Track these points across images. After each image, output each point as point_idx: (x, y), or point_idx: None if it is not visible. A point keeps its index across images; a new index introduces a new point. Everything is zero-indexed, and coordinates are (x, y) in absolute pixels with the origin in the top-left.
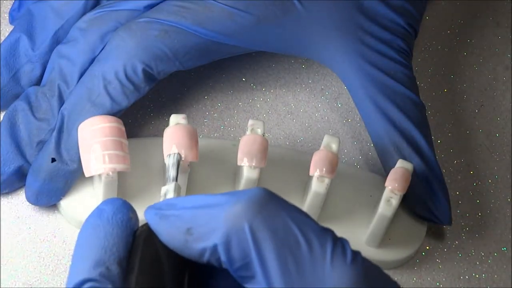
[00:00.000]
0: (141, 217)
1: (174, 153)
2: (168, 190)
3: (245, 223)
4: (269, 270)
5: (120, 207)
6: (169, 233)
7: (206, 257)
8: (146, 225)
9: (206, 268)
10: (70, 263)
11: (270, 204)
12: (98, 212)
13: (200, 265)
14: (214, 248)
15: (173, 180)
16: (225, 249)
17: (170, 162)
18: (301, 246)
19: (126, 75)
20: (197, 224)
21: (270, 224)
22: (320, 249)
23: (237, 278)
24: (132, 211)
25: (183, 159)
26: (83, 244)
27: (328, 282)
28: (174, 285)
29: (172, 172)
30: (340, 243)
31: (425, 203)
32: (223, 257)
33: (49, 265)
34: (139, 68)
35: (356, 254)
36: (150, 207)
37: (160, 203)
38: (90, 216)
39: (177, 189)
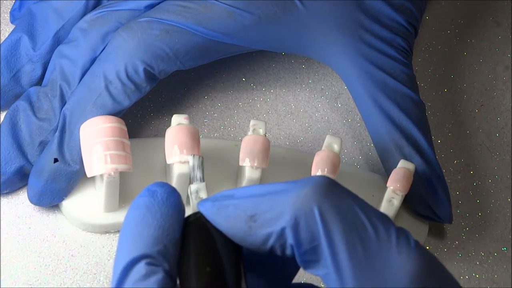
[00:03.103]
0: None
1: (195, 155)
2: (199, 188)
3: (314, 205)
4: (337, 252)
5: (172, 191)
6: (230, 222)
7: (270, 243)
8: (198, 215)
9: (258, 258)
10: (118, 239)
11: (336, 190)
12: (150, 193)
13: (250, 255)
14: (282, 232)
15: (201, 181)
16: (293, 232)
17: (195, 163)
18: (367, 230)
19: (127, 75)
20: (261, 211)
21: (338, 208)
22: (385, 234)
23: (301, 263)
24: (181, 197)
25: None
26: (137, 223)
27: (394, 266)
28: (231, 270)
29: (198, 173)
30: (402, 230)
31: (426, 202)
32: (290, 240)
33: (49, 265)
34: (140, 67)
35: (417, 241)
36: (205, 200)
37: (215, 195)
38: (140, 196)
39: (207, 189)
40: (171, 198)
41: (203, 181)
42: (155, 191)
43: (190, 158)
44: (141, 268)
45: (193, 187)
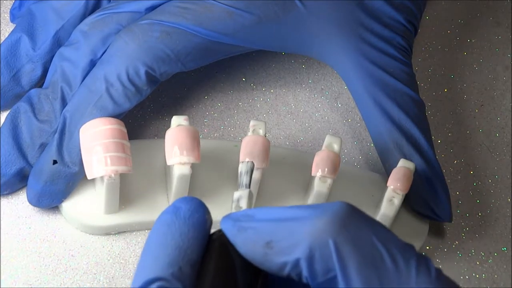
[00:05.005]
0: (140, 218)
1: (248, 161)
2: (241, 196)
3: (330, 238)
4: (353, 286)
5: (197, 207)
6: (248, 245)
7: (286, 271)
8: (222, 232)
9: (283, 279)
10: (139, 259)
11: (354, 220)
12: (174, 209)
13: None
14: (296, 262)
15: (246, 187)
16: (308, 264)
17: (243, 169)
18: (385, 263)
19: (128, 78)
20: (278, 238)
21: (354, 240)
22: (404, 265)
23: None
24: (208, 213)
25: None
26: (156, 241)
27: None
28: None
29: (245, 179)
30: (423, 260)
31: (425, 200)
32: (305, 272)
33: (49, 265)
34: (142, 70)
35: (439, 271)
36: (227, 217)
37: (237, 214)
38: (164, 213)
39: (250, 196)
40: (195, 215)
41: (248, 188)
42: (179, 208)
43: (240, 165)
44: None
45: (236, 194)
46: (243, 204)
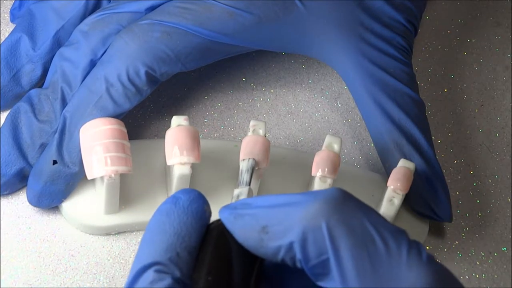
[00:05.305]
0: (140, 218)
1: (249, 159)
2: (241, 193)
3: (323, 221)
4: (344, 268)
5: (196, 198)
6: (244, 231)
7: (281, 255)
8: (220, 221)
9: (278, 266)
10: (138, 246)
11: (347, 204)
12: (173, 199)
13: (271, 263)
14: (290, 246)
15: (246, 185)
16: (301, 247)
17: (244, 167)
18: (377, 245)
19: (128, 78)
20: (273, 223)
21: (347, 223)
22: (396, 248)
23: (310, 276)
24: (207, 204)
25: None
26: (155, 229)
27: (404, 281)
28: (240, 282)
29: (246, 177)
30: (415, 245)
31: (425, 200)
32: (298, 255)
33: (49, 265)
34: (142, 70)
35: (430, 256)
36: (225, 207)
37: (235, 203)
38: (164, 203)
39: (250, 194)
40: (194, 205)
41: (248, 185)
42: (179, 198)
43: (240, 162)
44: (149, 275)
45: (236, 191)
46: None
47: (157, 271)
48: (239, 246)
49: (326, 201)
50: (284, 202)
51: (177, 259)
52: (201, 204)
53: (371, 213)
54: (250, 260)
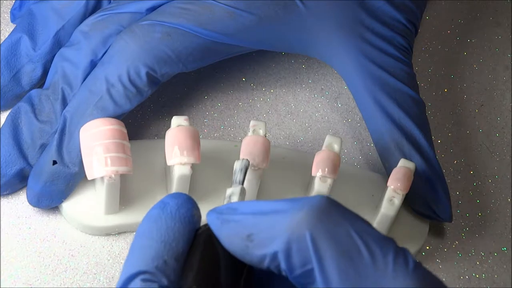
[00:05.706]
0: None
1: (244, 159)
2: (233, 193)
3: (307, 231)
4: (329, 278)
5: (184, 203)
6: (230, 238)
7: (266, 264)
8: (207, 226)
9: (266, 271)
10: (128, 253)
11: (332, 213)
12: (161, 205)
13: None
14: (274, 255)
15: (239, 184)
16: (285, 257)
17: (238, 166)
18: (362, 255)
19: (129, 79)
20: (258, 231)
21: (331, 233)
22: (382, 258)
23: (296, 284)
24: (196, 208)
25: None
26: (143, 236)
27: None
28: (229, 285)
29: (239, 176)
30: (402, 253)
31: (425, 200)
32: (283, 265)
33: (49, 265)
34: (143, 71)
35: (417, 264)
36: (212, 211)
37: (222, 207)
38: (152, 209)
39: (242, 193)
40: (182, 210)
41: (241, 185)
42: (167, 204)
43: (235, 162)
44: (136, 284)
45: (229, 191)
46: (235, 201)
47: (144, 280)
48: (227, 251)
49: (311, 210)
50: (270, 209)
51: (164, 267)
52: (189, 209)
53: (357, 221)
54: (239, 263)
